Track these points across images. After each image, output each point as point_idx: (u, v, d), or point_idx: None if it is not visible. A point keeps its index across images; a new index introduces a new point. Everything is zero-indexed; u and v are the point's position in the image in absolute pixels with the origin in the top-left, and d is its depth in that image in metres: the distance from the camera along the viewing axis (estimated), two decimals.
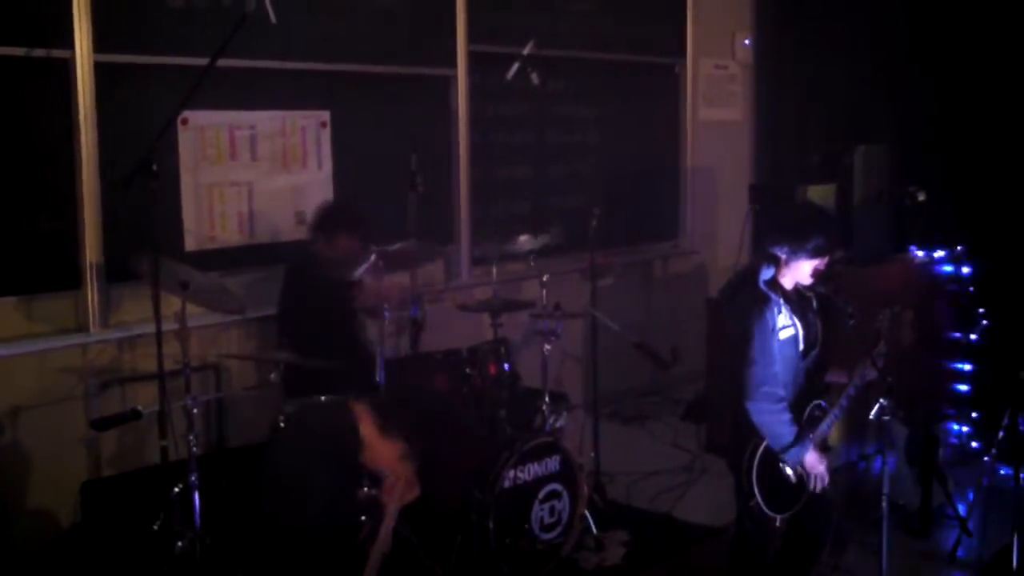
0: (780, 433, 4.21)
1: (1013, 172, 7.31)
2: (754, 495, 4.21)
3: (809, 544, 4.56)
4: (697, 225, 8.92)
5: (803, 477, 4.29)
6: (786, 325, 4.25)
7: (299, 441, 3.50)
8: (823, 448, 4.35)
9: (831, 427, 4.34)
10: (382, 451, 3.55)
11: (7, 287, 5.31)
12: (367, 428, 3.52)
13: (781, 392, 4.20)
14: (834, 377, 4.50)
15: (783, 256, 4.26)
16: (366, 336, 5.97)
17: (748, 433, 4.22)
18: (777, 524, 4.33)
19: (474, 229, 7.22)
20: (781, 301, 4.25)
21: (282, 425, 4.92)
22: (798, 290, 4.38)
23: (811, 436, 4.28)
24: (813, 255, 4.25)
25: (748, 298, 4.27)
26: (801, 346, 4.32)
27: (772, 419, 4.19)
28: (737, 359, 4.24)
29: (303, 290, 5.56)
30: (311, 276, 5.56)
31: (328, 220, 5.67)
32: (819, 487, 4.30)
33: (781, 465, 4.26)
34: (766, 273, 4.29)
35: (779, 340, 4.23)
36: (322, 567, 3.48)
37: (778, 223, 4.42)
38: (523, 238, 6.12)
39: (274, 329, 5.82)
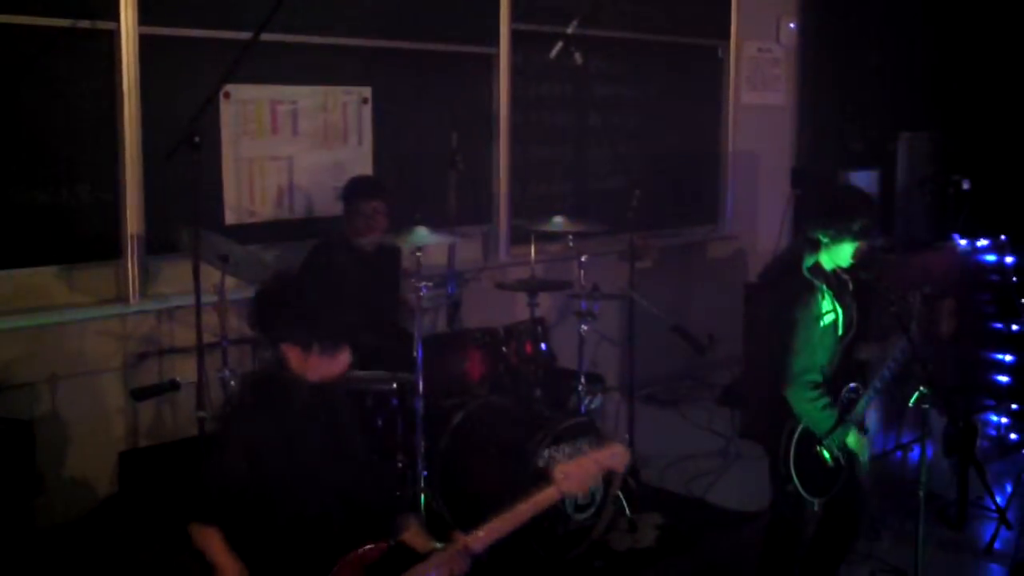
0: (820, 419, 4.20)
1: None
2: (791, 479, 4.19)
3: (843, 532, 4.54)
4: (737, 209, 8.86)
5: (840, 460, 4.27)
6: (828, 311, 4.23)
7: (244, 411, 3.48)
8: (860, 430, 4.33)
9: (866, 408, 4.32)
10: (322, 368, 3.52)
11: (49, 256, 5.35)
12: (295, 359, 3.48)
13: (819, 379, 4.19)
14: (865, 352, 4.48)
15: (826, 239, 4.23)
16: (402, 313, 5.98)
17: (785, 417, 4.20)
18: (815, 509, 4.31)
19: (512, 209, 7.20)
20: (824, 287, 4.23)
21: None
22: (836, 273, 4.35)
23: (853, 420, 4.26)
24: (857, 237, 4.22)
25: (793, 286, 4.24)
26: (840, 331, 4.30)
27: (811, 407, 4.18)
28: (777, 345, 4.23)
29: (334, 264, 5.57)
30: (344, 250, 5.59)
31: (353, 189, 5.77)
32: (863, 466, 4.29)
33: (818, 449, 4.23)
34: (809, 260, 4.26)
35: (820, 326, 4.21)
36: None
37: (821, 206, 4.39)
38: (558, 219, 6.09)
39: None
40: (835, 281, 4.31)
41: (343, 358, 3.53)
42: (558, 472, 3.54)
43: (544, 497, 3.54)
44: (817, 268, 4.26)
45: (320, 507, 3.55)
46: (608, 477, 3.60)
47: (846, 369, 4.39)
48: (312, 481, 3.52)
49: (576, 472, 3.55)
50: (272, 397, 3.46)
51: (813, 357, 4.16)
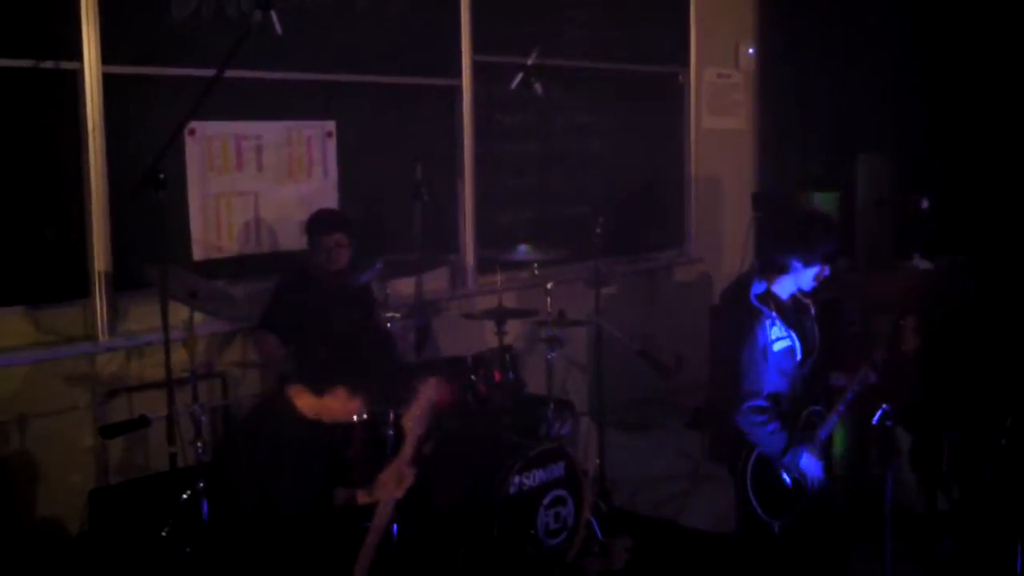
0: (771, 443, 4.23)
1: (1017, 180, 7.32)
2: (749, 501, 4.23)
3: (813, 553, 4.58)
4: (701, 233, 8.94)
5: (799, 482, 4.31)
6: (780, 337, 4.25)
7: (250, 446, 3.67)
8: (815, 452, 4.37)
9: (829, 432, 4.36)
10: (331, 408, 3.80)
11: (16, 296, 5.35)
12: (304, 402, 3.65)
13: (766, 404, 4.22)
14: (838, 381, 4.52)
15: (794, 265, 4.27)
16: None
17: (743, 440, 4.25)
18: (776, 530, 4.35)
19: (478, 238, 7.24)
20: (775, 314, 4.26)
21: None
22: (796, 298, 4.39)
23: (806, 441, 4.29)
24: (824, 262, 4.27)
25: (740, 313, 4.28)
26: (799, 356, 4.33)
27: (759, 431, 4.22)
28: (729, 372, 4.28)
29: (301, 299, 5.59)
30: (310, 284, 5.62)
31: (314, 222, 5.78)
32: (816, 487, 4.33)
33: (776, 471, 4.27)
34: (758, 288, 4.29)
35: (773, 353, 4.24)
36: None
37: (786, 232, 4.43)
38: (524, 247, 6.14)
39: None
40: (791, 306, 4.35)
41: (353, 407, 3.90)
42: (406, 423, 3.98)
43: (408, 449, 3.99)
44: (767, 295, 4.29)
45: None
46: (437, 407, 4.12)
47: (813, 393, 4.43)
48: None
49: (415, 419, 3.97)
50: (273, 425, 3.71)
51: (757, 384, 4.20)
